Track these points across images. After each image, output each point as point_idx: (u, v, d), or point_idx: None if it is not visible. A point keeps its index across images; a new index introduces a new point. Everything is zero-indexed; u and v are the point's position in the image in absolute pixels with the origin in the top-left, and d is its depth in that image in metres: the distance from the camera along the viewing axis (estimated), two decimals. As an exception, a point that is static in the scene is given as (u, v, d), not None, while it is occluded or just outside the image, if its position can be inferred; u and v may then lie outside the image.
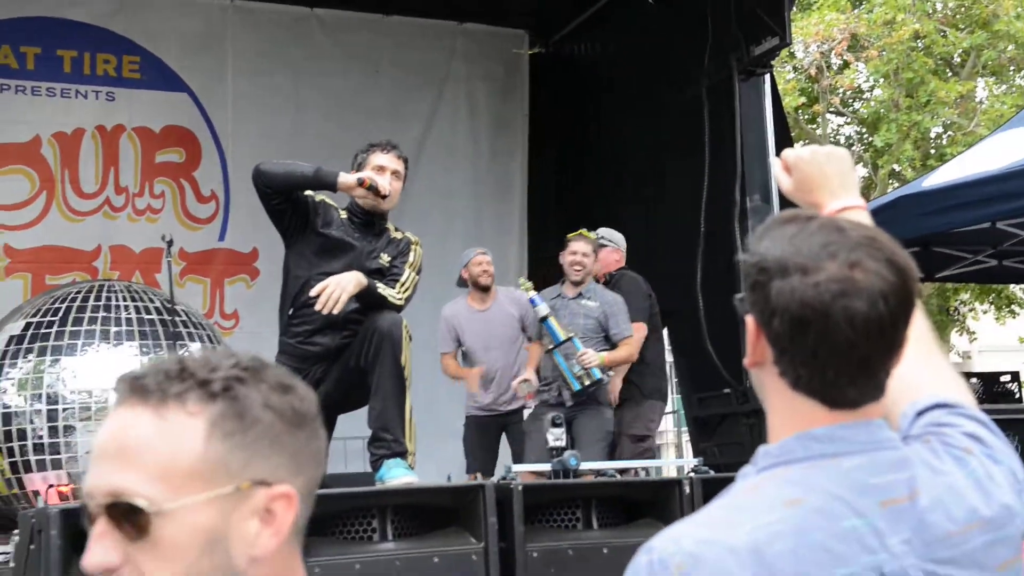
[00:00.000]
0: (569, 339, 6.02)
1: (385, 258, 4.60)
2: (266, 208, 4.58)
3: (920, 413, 1.43)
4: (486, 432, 6.67)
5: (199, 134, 8.58)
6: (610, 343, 6.28)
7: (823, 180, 1.67)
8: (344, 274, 4.31)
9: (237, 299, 8.55)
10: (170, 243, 5.15)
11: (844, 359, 1.28)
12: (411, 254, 4.68)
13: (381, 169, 4.57)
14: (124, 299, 6.14)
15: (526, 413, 6.54)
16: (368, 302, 4.41)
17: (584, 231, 6.49)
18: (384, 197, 4.49)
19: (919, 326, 1.39)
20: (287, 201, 4.48)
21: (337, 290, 4.22)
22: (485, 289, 6.66)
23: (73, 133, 8.25)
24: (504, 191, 9.47)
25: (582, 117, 9.13)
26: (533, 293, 6.23)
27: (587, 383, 6.01)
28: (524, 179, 9.54)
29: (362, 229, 4.58)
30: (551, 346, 6.09)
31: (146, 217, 8.37)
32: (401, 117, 8.97)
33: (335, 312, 4.21)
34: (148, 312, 5.93)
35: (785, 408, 1.33)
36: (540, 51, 9.65)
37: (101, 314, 5.97)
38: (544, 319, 6.11)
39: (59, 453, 5.56)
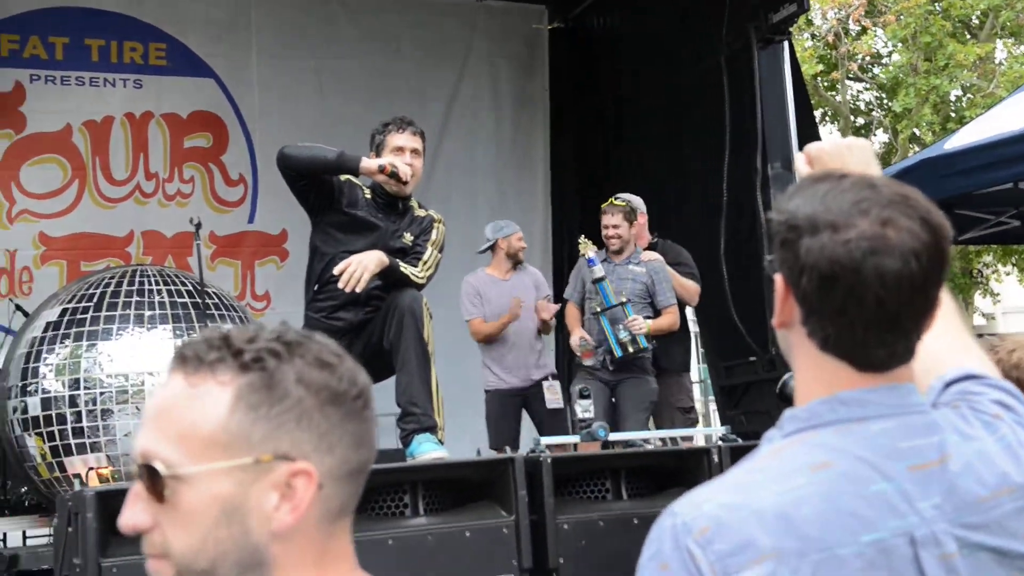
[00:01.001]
0: (622, 304, 6.04)
1: (408, 237, 4.65)
2: (291, 189, 4.66)
3: (948, 385, 1.41)
4: (508, 405, 6.71)
5: (226, 119, 8.66)
6: (654, 310, 6.32)
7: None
8: (366, 253, 4.36)
9: (268, 280, 8.66)
10: (198, 226, 5.24)
11: (874, 318, 1.25)
12: (434, 232, 4.72)
13: (400, 150, 4.61)
14: (157, 283, 6.24)
15: (544, 386, 6.57)
16: (390, 280, 4.47)
17: (614, 200, 6.51)
18: (405, 183, 4.56)
19: (944, 299, 1.35)
20: (312, 183, 4.55)
21: (359, 269, 4.27)
22: (519, 263, 6.80)
23: (103, 121, 8.36)
24: (527, 167, 9.52)
25: (602, 90, 9.15)
26: (592, 253, 6.22)
27: (631, 350, 6.03)
28: (546, 154, 9.58)
29: (386, 209, 4.63)
30: (599, 309, 6.11)
31: (176, 202, 8.47)
32: (423, 96, 9.03)
33: (358, 291, 4.27)
34: (180, 296, 6.02)
35: (813, 369, 1.31)
36: (559, 26, 9.66)
37: (135, 299, 6.07)
38: (599, 280, 6.12)
39: (98, 436, 5.67)
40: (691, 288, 6.71)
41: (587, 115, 9.37)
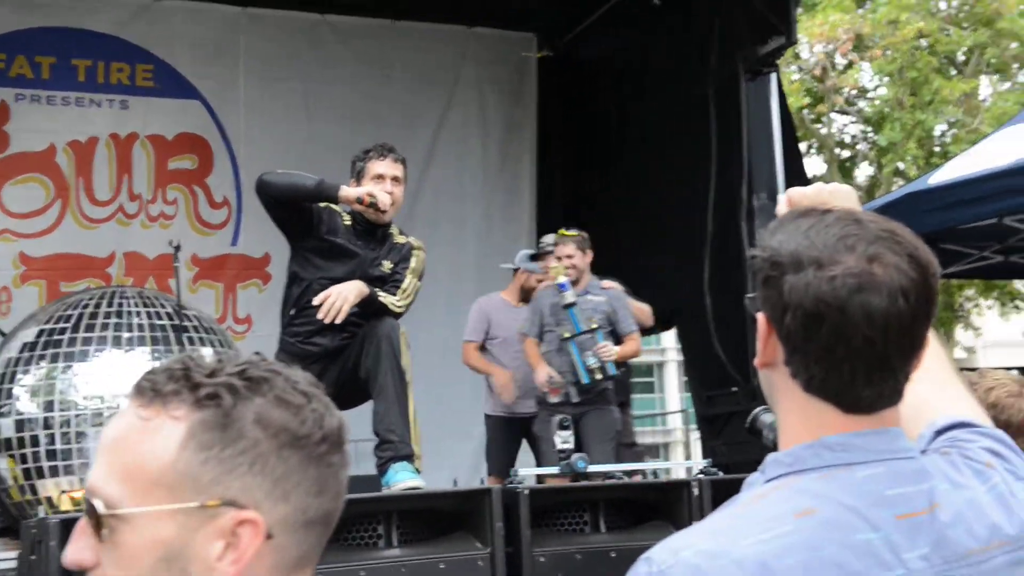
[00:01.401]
0: (593, 330, 6.00)
1: (387, 265, 4.66)
2: (270, 215, 4.67)
3: (939, 433, 1.37)
4: (509, 433, 6.66)
5: (212, 141, 8.62)
6: (615, 338, 6.26)
7: None
8: (346, 284, 4.37)
9: (250, 304, 8.60)
10: (178, 248, 5.21)
11: (860, 358, 1.21)
12: (413, 259, 4.74)
13: (380, 178, 4.62)
14: (136, 305, 6.17)
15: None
16: (369, 310, 4.48)
17: (564, 231, 6.51)
18: (384, 212, 4.56)
19: (933, 344, 1.32)
20: (290, 210, 4.55)
21: (339, 300, 4.29)
22: (528, 299, 6.73)
23: (87, 141, 8.30)
24: (514, 193, 9.50)
25: (590, 119, 9.16)
26: (564, 278, 6.14)
27: (599, 377, 5.98)
28: (533, 181, 9.56)
29: (365, 236, 4.64)
30: (568, 335, 6.04)
31: (159, 224, 8.42)
32: (412, 122, 9.02)
33: (337, 321, 4.27)
34: (160, 318, 5.97)
35: (797, 411, 1.26)
36: (548, 54, 9.67)
37: (113, 320, 6.00)
38: (570, 306, 6.06)
39: (71, 459, 5.60)
40: (646, 310, 6.73)
41: (574, 143, 9.37)
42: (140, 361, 5.87)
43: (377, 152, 4.70)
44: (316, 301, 4.32)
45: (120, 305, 6.13)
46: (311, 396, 1.09)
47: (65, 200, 8.19)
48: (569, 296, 6.05)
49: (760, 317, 1.28)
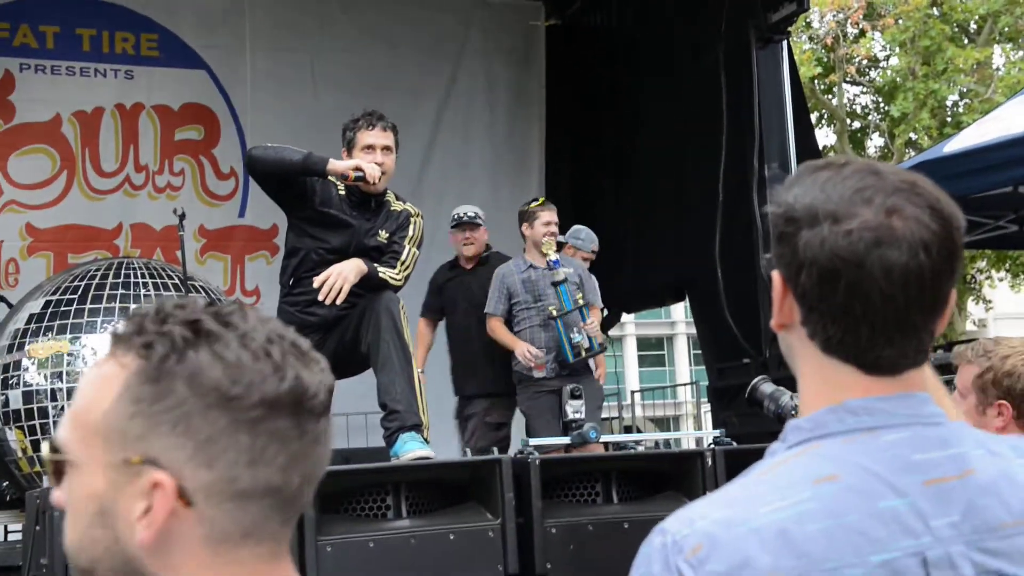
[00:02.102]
0: (580, 307, 5.90)
1: (383, 235, 4.62)
2: (263, 189, 4.65)
3: None
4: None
5: (218, 111, 8.56)
6: None
7: None
8: (345, 263, 4.35)
9: (258, 275, 8.56)
10: (183, 217, 5.17)
11: (880, 316, 1.15)
12: (411, 227, 4.68)
13: (370, 148, 4.57)
14: (143, 276, 6.16)
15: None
16: (369, 286, 4.44)
17: (541, 199, 6.44)
18: (374, 184, 4.51)
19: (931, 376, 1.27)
20: (281, 184, 4.53)
21: (339, 280, 4.27)
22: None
23: (93, 112, 8.26)
24: (522, 164, 9.43)
25: (599, 88, 9.08)
26: (556, 255, 6.06)
27: (583, 354, 5.90)
28: (541, 151, 9.49)
29: (359, 207, 4.61)
30: (556, 313, 5.93)
31: (166, 195, 8.37)
32: (419, 91, 8.96)
33: (338, 302, 4.26)
34: (167, 289, 5.95)
35: (816, 374, 1.21)
36: (556, 23, 9.59)
37: (120, 291, 5.99)
38: (561, 283, 5.96)
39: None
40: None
41: (583, 113, 9.29)
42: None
43: (366, 121, 4.64)
44: (316, 283, 4.30)
45: (127, 276, 6.12)
46: (262, 355, 0.98)
47: (71, 171, 8.15)
48: (560, 273, 5.97)
49: (775, 276, 1.22)
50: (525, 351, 5.97)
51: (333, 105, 8.49)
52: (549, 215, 6.20)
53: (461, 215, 6.58)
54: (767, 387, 2.37)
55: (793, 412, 2.23)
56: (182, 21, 8.45)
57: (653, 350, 38.99)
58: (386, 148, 4.61)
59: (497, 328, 6.17)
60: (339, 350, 4.48)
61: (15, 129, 8.03)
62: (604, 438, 4.01)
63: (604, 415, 7.19)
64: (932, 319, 1.18)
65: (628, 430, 12.39)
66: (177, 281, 6.33)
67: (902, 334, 1.17)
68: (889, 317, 1.15)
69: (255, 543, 1.00)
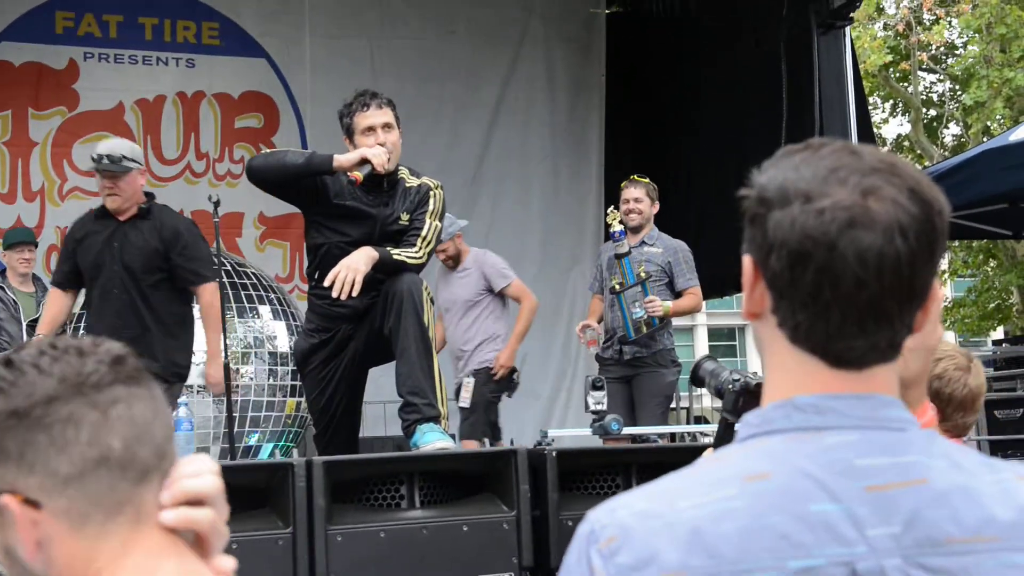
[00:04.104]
0: (642, 282, 5.85)
1: (405, 217, 4.46)
2: (274, 195, 4.60)
3: None
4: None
5: (277, 99, 8.64)
6: (674, 292, 6.10)
7: None
8: (354, 254, 4.17)
9: (317, 262, 8.61)
10: (217, 204, 5.19)
11: (851, 303, 1.06)
12: (431, 201, 4.50)
13: (370, 130, 4.40)
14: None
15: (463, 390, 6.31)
16: (386, 271, 4.30)
17: (636, 176, 6.34)
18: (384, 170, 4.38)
19: None
20: (288, 189, 4.45)
21: (350, 274, 4.08)
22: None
23: (155, 100, 8.38)
24: (581, 152, 9.36)
25: (658, 75, 8.98)
26: (620, 226, 5.99)
27: (644, 330, 5.84)
28: (601, 139, 9.41)
29: (374, 191, 4.43)
30: (618, 287, 5.89)
31: (226, 182, 8.47)
32: (478, 79, 8.96)
33: (354, 295, 4.11)
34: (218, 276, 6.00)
35: (780, 366, 1.13)
36: (617, 10, 9.51)
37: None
38: (623, 256, 5.92)
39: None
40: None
41: (643, 100, 9.19)
42: (198, 317, 5.90)
43: (359, 103, 4.46)
44: (327, 282, 4.15)
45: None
46: (30, 368, 1.10)
47: (134, 159, 8.26)
48: (623, 246, 5.90)
49: (745, 260, 1.14)
50: (578, 328, 5.99)
51: (392, 92, 8.34)
52: (627, 191, 6.22)
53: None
54: (709, 364, 2.33)
55: (731, 387, 2.20)
56: (242, 9, 8.53)
57: (724, 340, 38.59)
58: (386, 126, 4.45)
59: (590, 305, 6.28)
60: (370, 339, 4.43)
61: (80, 117, 8.18)
62: (626, 430, 3.93)
63: (673, 405, 7.07)
64: (908, 309, 1.10)
65: (698, 421, 12.29)
66: (230, 268, 6.39)
67: (875, 322, 1.08)
68: (861, 304, 1.07)
69: (116, 511, 1.09)
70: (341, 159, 4.32)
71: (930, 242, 1.08)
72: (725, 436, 2.75)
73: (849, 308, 1.07)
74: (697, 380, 2.35)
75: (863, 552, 1.03)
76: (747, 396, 2.62)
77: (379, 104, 4.49)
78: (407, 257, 4.34)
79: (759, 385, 2.74)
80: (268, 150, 4.57)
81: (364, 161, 4.31)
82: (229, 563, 1.16)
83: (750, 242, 1.13)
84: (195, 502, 1.14)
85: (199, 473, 1.15)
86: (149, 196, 5.40)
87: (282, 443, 6.18)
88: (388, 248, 4.30)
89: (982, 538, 1.05)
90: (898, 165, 1.10)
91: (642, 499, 1.09)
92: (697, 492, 1.07)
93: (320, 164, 4.33)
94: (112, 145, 5.39)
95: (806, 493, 1.05)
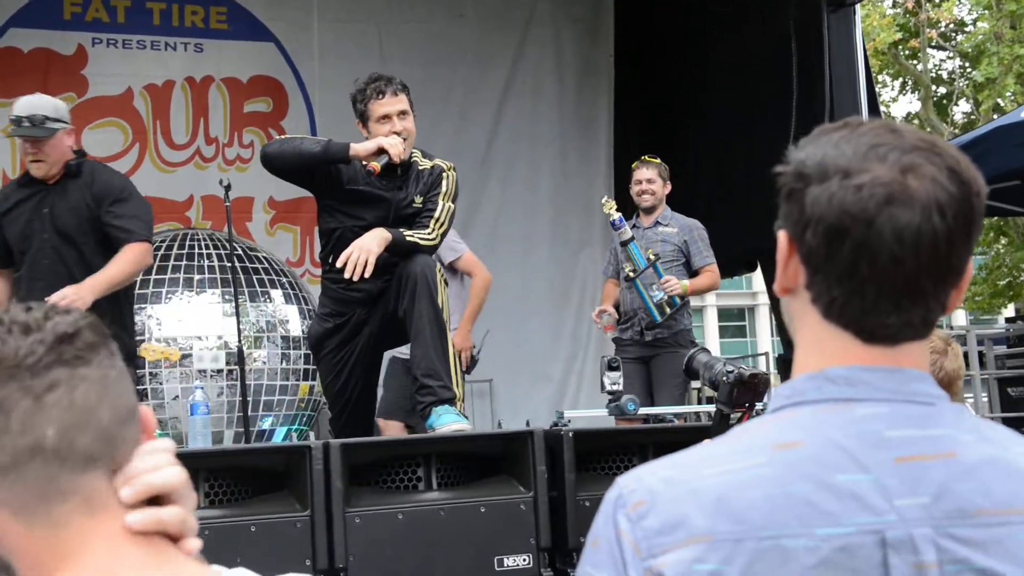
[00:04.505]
0: (652, 264, 5.85)
1: (418, 200, 4.46)
2: (288, 181, 4.59)
3: None
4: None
5: (286, 83, 8.62)
6: (691, 271, 6.11)
7: None
8: (367, 235, 4.17)
9: (326, 246, 8.62)
10: (228, 188, 5.16)
11: (887, 280, 1.08)
12: (444, 183, 4.49)
13: (386, 118, 4.39)
14: (207, 247, 6.25)
15: None
16: (399, 252, 4.29)
17: (647, 157, 6.32)
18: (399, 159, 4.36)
19: None
20: (302, 176, 4.44)
21: (362, 255, 4.08)
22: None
23: (164, 85, 8.37)
24: (590, 133, 9.33)
25: (667, 55, 8.95)
26: (617, 214, 5.99)
27: (668, 311, 5.84)
28: (610, 121, 9.39)
29: (387, 175, 4.42)
30: (632, 274, 5.89)
31: (236, 167, 8.46)
32: (487, 61, 8.93)
33: (366, 276, 4.11)
34: (229, 260, 6.02)
35: (812, 342, 1.14)
36: (626, -11, 9.46)
37: (184, 262, 6.09)
38: (628, 242, 5.92)
39: (146, 400, 5.70)
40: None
41: (653, 81, 9.17)
42: (210, 303, 5.95)
43: (373, 91, 4.44)
44: (339, 263, 4.15)
45: (191, 247, 6.21)
46: None
47: (143, 144, 8.28)
48: (625, 233, 5.90)
49: (781, 235, 1.15)
50: (594, 314, 5.99)
51: (401, 76, 8.42)
52: (639, 172, 6.23)
53: None
54: (703, 356, 2.34)
55: (725, 378, 2.20)
56: (251, -6, 8.52)
57: (734, 320, 38.58)
58: (402, 113, 4.44)
59: (604, 290, 6.30)
60: (384, 321, 4.43)
61: (88, 103, 8.16)
62: (643, 410, 3.93)
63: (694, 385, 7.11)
64: (943, 288, 1.11)
65: (711, 401, 12.31)
66: (240, 252, 6.41)
67: (910, 300, 1.10)
68: (897, 281, 1.08)
69: (60, 501, 1.05)
70: (358, 148, 4.31)
71: (967, 222, 1.09)
72: (720, 427, 2.76)
73: (884, 285, 1.08)
74: (691, 372, 2.36)
75: (893, 521, 1.04)
76: (741, 387, 2.63)
77: (394, 91, 4.47)
78: (420, 238, 4.34)
79: (753, 376, 2.77)
80: (281, 136, 4.55)
81: (381, 151, 4.29)
82: (195, 544, 1.13)
83: (786, 217, 1.14)
84: (160, 497, 1.10)
85: (159, 466, 1.10)
86: (79, 154, 4.89)
87: (295, 427, 6.21)
88: (401, 230, 4.31)
89: (1015, 510, 1.06)
90: (939, 144, 1.11)
91: (670, 466, 1.12)
92: (726, 460, 1.09)
93: (337, 153, 4.31)
94: (32, 103, 4.69)
95: (836, 463, 1.06)
